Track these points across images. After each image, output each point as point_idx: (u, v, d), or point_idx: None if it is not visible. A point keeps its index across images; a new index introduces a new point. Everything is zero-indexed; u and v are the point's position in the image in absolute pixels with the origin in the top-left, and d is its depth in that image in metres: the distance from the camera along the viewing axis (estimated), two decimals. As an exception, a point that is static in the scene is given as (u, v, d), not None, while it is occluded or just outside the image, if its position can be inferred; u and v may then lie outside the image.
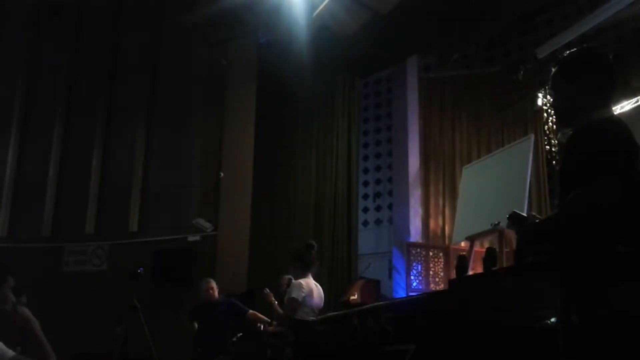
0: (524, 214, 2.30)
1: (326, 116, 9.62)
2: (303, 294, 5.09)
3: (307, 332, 5.08)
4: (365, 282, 8.31)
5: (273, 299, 5.61)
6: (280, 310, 5.34)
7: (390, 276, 8.78)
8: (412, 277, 8.20)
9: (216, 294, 6.31)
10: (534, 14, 8.47)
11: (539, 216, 2.34)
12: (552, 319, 2.59)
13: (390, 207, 9.44)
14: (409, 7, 7.62)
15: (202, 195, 8.90)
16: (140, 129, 9.50)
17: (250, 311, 6.14)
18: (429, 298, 4.86)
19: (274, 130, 10.22)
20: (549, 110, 8.67)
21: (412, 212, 8.98)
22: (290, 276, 5.75)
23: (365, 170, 9.83)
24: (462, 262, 5.44)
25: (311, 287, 5.22)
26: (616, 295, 1.88)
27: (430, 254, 8.36)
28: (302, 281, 5.19)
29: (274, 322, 5.83)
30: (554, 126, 8.71)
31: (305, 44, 8.40)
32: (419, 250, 8.38)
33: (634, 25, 7.74)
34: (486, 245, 7.25)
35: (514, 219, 2.27)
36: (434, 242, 8.92)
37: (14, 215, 9.54)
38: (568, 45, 7.61)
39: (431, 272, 8.26)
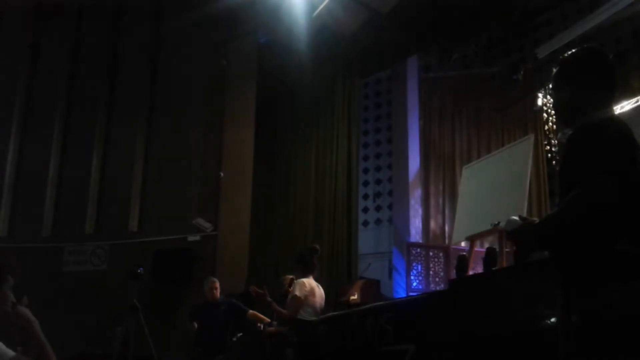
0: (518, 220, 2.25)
1: (326, 116, 9.62)
2: (305, 292, 5.14)
3: (309, 333, 5.09)
4: (365, 282, 8.30)
5: (269, 297, 5.38)
6: (278, 309, 5.34)
7: (390, 276, 8.77)
8: (412, 277, 8.20)
9: (218, 293, 6.33)
10: (534, 14, 8.46)
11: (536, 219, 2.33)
12: (552, 319, 2.59)
13: (390, 207, 9.43)
14: (408, 7, 7.61)
15: (202, 195, 8.90)
16: (140, 129, 9.50)
17: (250, 311, 6.15)
18: (429, 298, 4.87)
19: (274, 130, 10.23)
20: (549, 110, 8.68)
21: (412, 212, 8.97)
22: (292, 276, 5.77)
23: (365, 170, 9.82)
24: (462, 262, 5.46)
25: (313, 286, 5.29)
26: (616, 295, 1.87)
27: (430, 254, 8.36)
28: (304, 280, 5.23)
29: (275, 322, 5.83)
30: (554, 126, 8.72)
31: (305, 43, 8.39)
32: (419, 250, 8.38)
33: (634, 25, 7.74)
34: (486, 245, 7.26)
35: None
36: (434, 242, 8.92)
37: (14, 215, 9.53)
38: (568, 45, 7.60)
39: (431, 272, 8.26)
